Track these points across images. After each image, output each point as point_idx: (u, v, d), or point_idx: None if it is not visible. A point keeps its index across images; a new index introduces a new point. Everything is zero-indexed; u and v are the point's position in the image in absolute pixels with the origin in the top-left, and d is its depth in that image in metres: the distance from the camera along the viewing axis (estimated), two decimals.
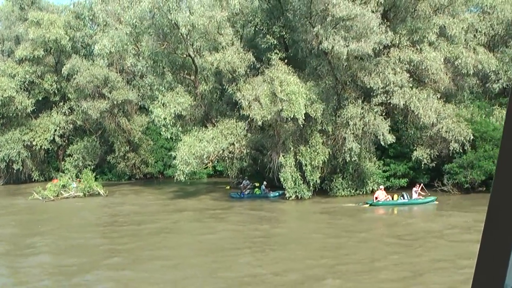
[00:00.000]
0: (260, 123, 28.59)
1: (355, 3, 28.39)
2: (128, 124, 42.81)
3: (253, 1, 35.33)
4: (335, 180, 31.11)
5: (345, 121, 29.38)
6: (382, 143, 29.30)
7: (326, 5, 27.95)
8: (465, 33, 34.00)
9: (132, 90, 42.55)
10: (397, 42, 30.59)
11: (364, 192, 31.22)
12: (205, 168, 43.98)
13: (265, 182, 32.80)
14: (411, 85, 30.62)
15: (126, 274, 15.58)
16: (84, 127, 44.06)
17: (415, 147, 31.42)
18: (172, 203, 31.43)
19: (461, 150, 30.30)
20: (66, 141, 45.39)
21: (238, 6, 33.82)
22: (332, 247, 18.60)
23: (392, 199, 28.61)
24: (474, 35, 34.78)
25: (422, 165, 30.90)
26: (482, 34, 34.98)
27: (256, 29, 34.60)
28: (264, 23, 33.75)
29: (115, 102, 40.66)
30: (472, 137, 30.14)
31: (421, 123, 30.20)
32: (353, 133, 29.15)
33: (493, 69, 32.27)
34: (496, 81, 33.71)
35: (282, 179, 29.83)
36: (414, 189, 28.69)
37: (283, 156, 29.39)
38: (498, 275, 1.16)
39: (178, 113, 33.54)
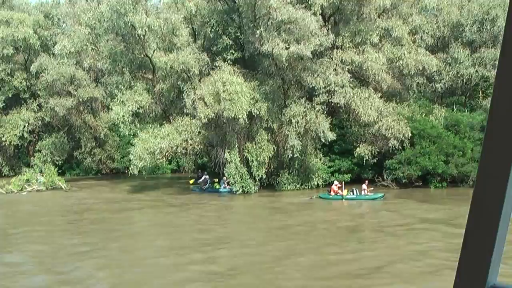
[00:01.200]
0: (205, 120, 30.46)
1: (297, 7, 30.29)
2: (94, 120, 44.68)
3: (214, 2, 36.85)
4: (282, 175, 33.07)
5: (288, 119, 31.25)
6: (323, 140, 31.30)
7: (268, 9, 29.88)
8: (413, 34, 36.10)
9: (99, 87, 44.28)
10: (341, 44, 32.54)
11: (309, 187, 33.21)
12: (169, 164, 46.24)
13: (224, 178, 34.24)
14: (353, 85, 32.60)
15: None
16: (53, 124, 45.77)
17: (358, 144, 33.36)
18: (128, 197, 33.28)
19: (400, 147, 32.32)
20: (36, 137, 47.13)
21: (194, 8, 35.73)
22: (261, 238, 20.12)
23: (343, 194, 30.30)
24: (421, 37, 36.81)
25: (364, 161, 32.88)
26: (429, 36, 37.00)
27: (213, 30, 36.41)
28: (220, 24, 35.62)
29: (80, 100, 42.45)
30: (410, 135, 32.13)
31: (361, 121, 32.12)
32: (295, 131, 31.06)
33: (434, 70, 34.24)
34: (439, 81, 35.75)
35: (227, 174, 31.80)
36: (363, 186, 30.48)
37: (228, 152, 31.32)
38: (480, 273, 1.18)
39: (135, 111, 35.37)
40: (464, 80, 35.80)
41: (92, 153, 45.23)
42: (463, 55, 35.41)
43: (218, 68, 31.47)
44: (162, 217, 26.24)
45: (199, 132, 33.58)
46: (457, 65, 35.43)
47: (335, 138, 31.86)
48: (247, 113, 30.18)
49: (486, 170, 1.17)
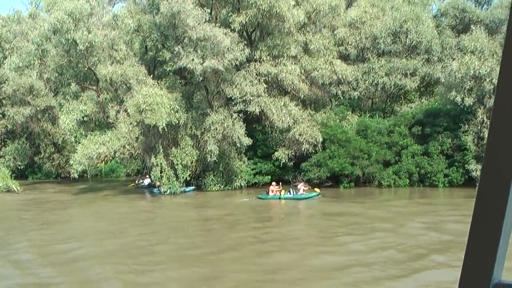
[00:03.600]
0: (125, 129, 35.30)
1: (212, 25, 34.98)
2: (52, 127, 49.73)
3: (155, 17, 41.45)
4: (207, 177, 37.75)
5: (208, 126, 35.93)
6: (238, 145, 35.90)
7: (185, 28, 34.67)
8: (339, 45, 40.69)
9: (57, 96, 49.26)
10: (259, 57, 37.20)
11: (233, 188, 37.79)
12: (124, 167, 51.21)
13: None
14: (272, 94, 37.25)
15: None
16: (15, 131, 50.94)
17: (277, 148, 37.96)
18: (68, 197, 38.07)
19: (313, 151, 36.90)
20: (2, 143, 52.38)
21: (133, 25, 40.56)
22: (158, 230, 23.86)
23: (281, 194, 34.10)
24: (346, 48, 41.39)
25: (282, 163, 37.48)
26: (353, 47, 41.54)
27: (152, 44, 41.23)
28: (160, 38, 40.35)
29: (38, 108, 47.57)
30: (322, 139, 36.70)
31: (275, 127, 36.74)
32: (214, 137, 35.72)
33: (350, 79, 38.79)
34: (356, 89, 40.29)
35: (153, 177, 36.64)
36: (299, 185, 34.82)
37: (154, 157, 36.13)
38: (485, 269, 1.24)
39: (81, 119, 40.27)
40: (379, 88, 40.19)
41: (51, 158, 50.33)
42: (377, 65, 39.82)
43: (141, 81, 36.21)
44: (88, 214, 30.77)
45: (137, 138, 38.24)
46: (372, 74, 39.84)
47: (250, 143, 36.39)
48: (168, 121, 34.71)
49: (490, 167, 1.21)
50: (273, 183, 34.98)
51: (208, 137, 35.76)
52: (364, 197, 32.93)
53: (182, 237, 22.24)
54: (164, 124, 34.27)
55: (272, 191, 34.01)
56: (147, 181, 41.35)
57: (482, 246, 1.26)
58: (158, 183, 38.16)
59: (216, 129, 35.62)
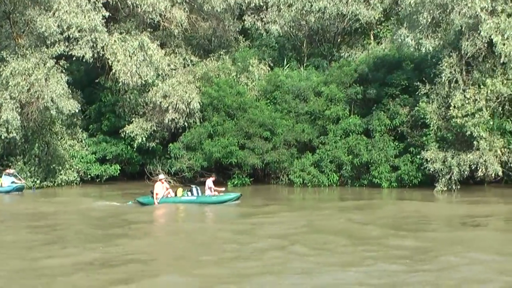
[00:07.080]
0: None
1: None
2: None
3: None
4: (14, 165, 30.19)
5: (4, 81, 28.41)
6: (53, 112, 27.56)
7: None
8: None
9: None
10: None
11: (56, 184, 30.38)
12: None
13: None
14: (119, 30, 29.45)
15: None
16: None
17: (132, 119, 29.11)
18: None
19: (185, 124, 29.35)
20: None
21: None
22: None
23: (176, 195, 26.06)
24: None
25: (137, 144, 29.00)
26: None
27: None
28: None
29: None
30: (199, 106, 29.14)
31: (122, 82, 28.04)
32: (14, 98, 28.02)
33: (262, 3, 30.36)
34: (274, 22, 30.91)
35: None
36: (208, 181, 25.96)
37: None
38: None
39: None
40: (314, 19, 30.72)
41: None
42: None
43: None
44: None
45: None
46: None
47: (77, 110, 29.01)
48: None
49: None
50: (161, 176, 26.51)
51: (4, 98, 26.79)
52: None
53: None
54: None
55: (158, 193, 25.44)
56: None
57: None
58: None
59: (19, 85, 27.74)
